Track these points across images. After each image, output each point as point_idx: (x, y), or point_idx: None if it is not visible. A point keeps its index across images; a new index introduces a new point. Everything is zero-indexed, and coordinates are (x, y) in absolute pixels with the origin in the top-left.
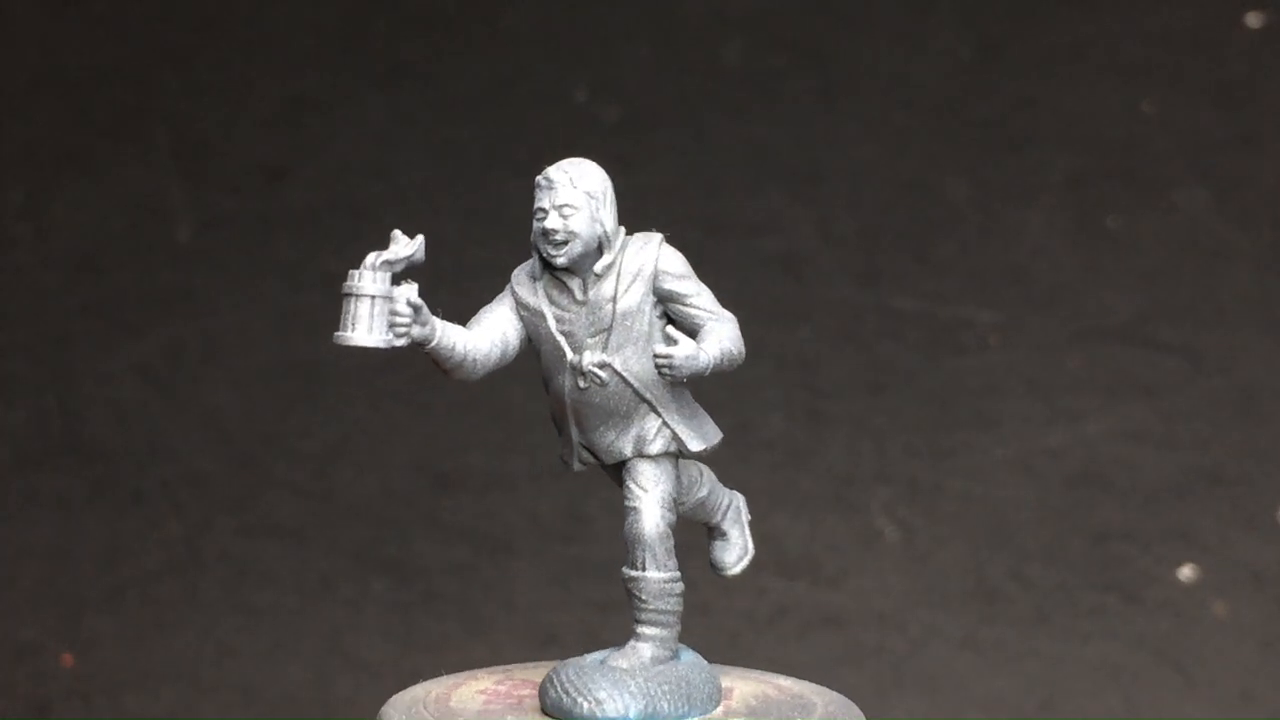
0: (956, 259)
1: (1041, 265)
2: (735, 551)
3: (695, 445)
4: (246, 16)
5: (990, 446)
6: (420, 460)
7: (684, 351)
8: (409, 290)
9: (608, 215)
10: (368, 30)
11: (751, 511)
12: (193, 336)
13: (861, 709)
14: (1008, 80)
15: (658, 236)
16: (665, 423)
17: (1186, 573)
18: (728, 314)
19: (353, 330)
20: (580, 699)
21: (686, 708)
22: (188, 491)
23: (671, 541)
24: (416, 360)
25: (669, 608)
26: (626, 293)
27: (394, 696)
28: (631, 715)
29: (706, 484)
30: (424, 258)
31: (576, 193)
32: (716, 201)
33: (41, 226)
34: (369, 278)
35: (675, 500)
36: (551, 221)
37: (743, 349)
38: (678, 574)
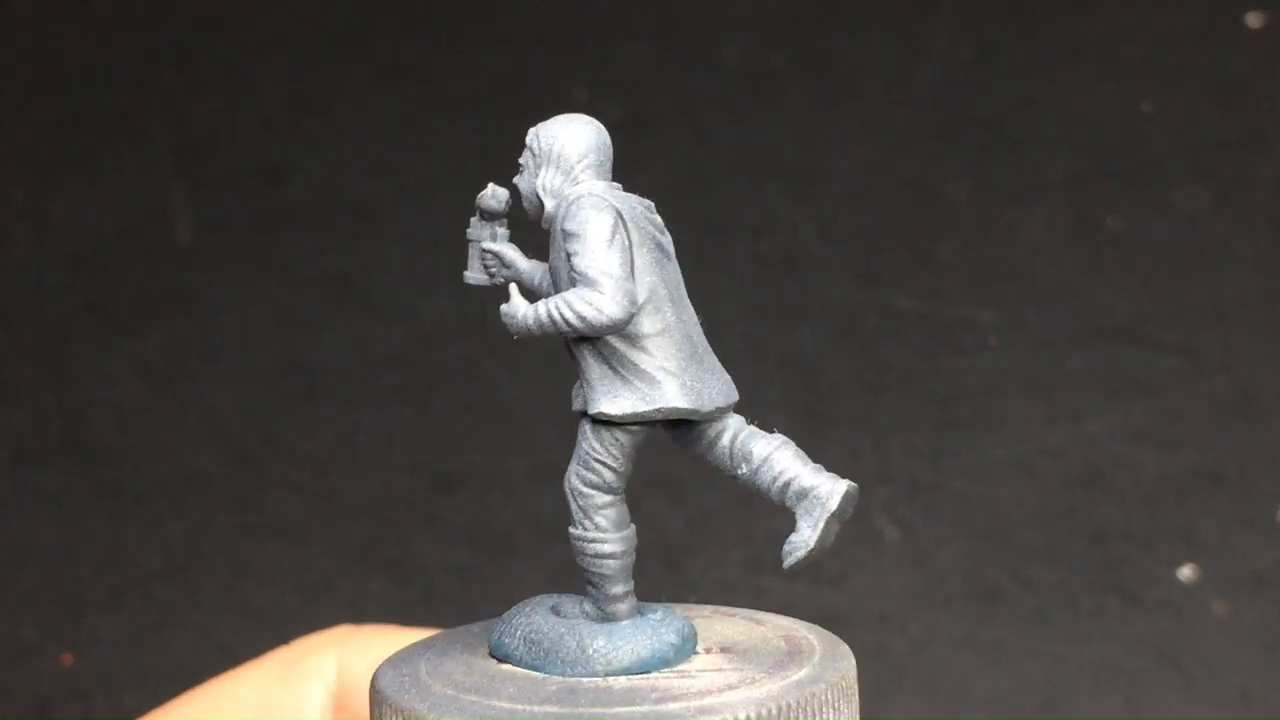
0: (956, 259)
1: (1041, 265)
2: (789, 544)
3: (593, 408)
4: (246, 16)
5: (990, 446)
6: (420, 460)
7: (504, 307)
8: (492, 235)
9: (547, 172)
10: (368, 30)
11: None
12: (193, 336)
13: (861, 709)
14: (1008, 80)
15: (578, 192)
16: (581, 381)
17: (1186, 573)
18: (594, 281)
19: (466, 269)
20: (496, 627)
21: (546, 662)
22: (188, 491)
23: (589, 500)
24: (416, 360)
25: (585, 565)
26: (552, 249)
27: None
28: (497, 652)
29: (756, 461)
30: (495, 205)
31: (526, 152)
32: (716, 201)
33: (41, 226)
34: (471, 223)
35: (595, 460)
36: (516, 179)
37: (576, 316)
38: (590, 533)
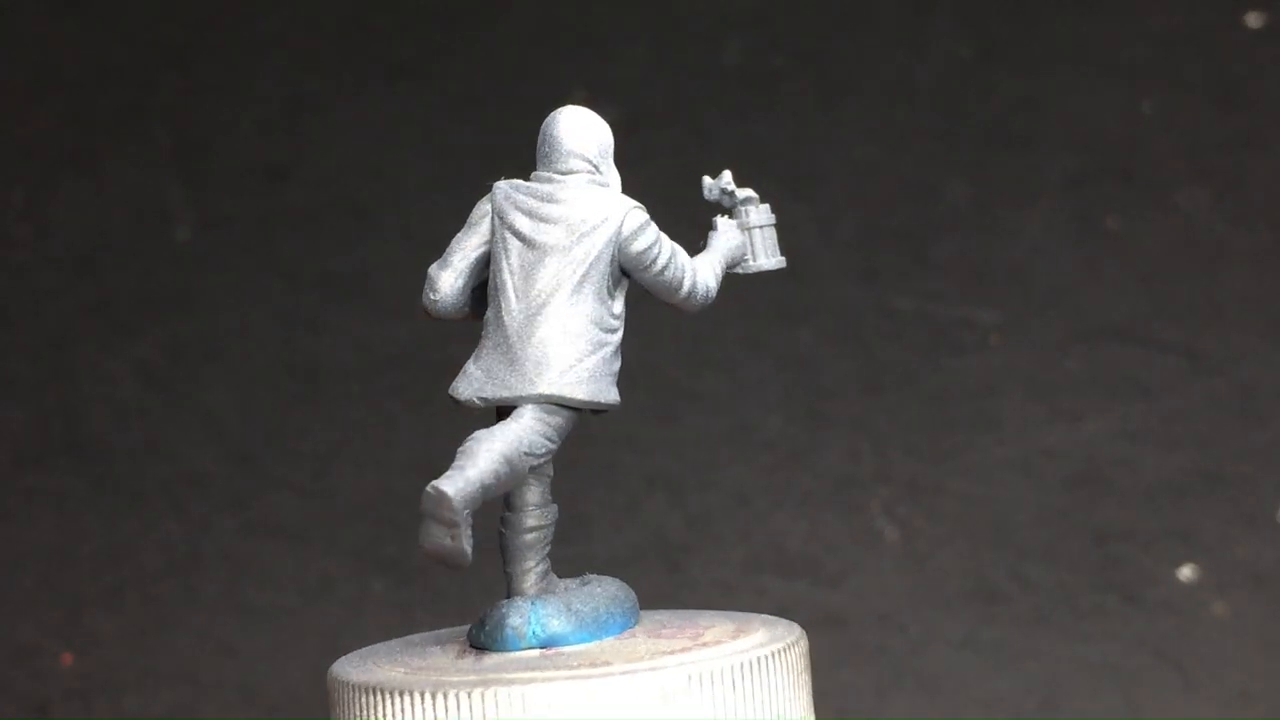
0: (956, 259)
1: (1041, 265)
2: None
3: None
4: (246, 16)
5: (990, 446)
6: (420, 460)
7: None
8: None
9: None
10: (368, 30)
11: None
12: (193, 336)
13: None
14: (1008, 80)
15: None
16: None
17: (1186, 573)
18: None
19: (771, 257)
20: None
21: (475, 633)
22: (188, 491)
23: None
24: (416, 360)
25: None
26: None
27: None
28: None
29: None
30: (707, 195)
31: None
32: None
33: (41, 226)
34: (749, 213)
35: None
36: None
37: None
38: (503, 515)
